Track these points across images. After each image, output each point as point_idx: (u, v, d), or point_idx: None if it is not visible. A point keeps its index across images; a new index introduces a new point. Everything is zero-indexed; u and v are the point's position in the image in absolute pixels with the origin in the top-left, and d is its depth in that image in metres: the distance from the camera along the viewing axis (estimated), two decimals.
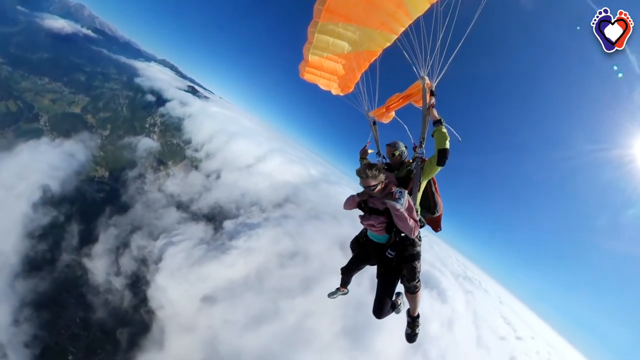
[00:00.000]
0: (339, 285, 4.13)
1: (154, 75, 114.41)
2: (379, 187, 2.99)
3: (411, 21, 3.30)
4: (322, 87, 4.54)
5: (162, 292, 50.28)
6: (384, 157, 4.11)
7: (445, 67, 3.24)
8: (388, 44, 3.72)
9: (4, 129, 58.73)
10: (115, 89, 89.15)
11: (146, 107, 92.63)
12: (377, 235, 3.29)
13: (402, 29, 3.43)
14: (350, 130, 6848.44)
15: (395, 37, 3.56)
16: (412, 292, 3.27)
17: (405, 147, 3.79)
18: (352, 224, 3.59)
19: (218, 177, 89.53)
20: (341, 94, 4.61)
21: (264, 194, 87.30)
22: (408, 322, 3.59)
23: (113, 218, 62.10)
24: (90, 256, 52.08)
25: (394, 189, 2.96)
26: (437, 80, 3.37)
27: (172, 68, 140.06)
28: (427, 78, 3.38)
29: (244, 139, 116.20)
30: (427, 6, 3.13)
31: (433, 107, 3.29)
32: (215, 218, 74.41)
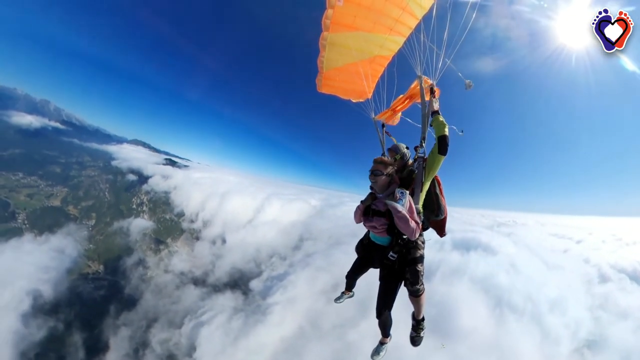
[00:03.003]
0: (344, 289, 4.13)
1: (129, 155, 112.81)
2: (384, 177, 3.02)
3: (418, 21, 3.39)
4: (341, 96, 4.60)
5: None
6: None
7: (445, 66, 3.27)
8: (399, 47, 3.79)
9: None
10: (93, 176, 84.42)
11: (129, 188, 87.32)
12: (379, 237, 3.22)
13: (410, 31, 3.50)
14: (327, 152, 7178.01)
15: (404, 39, 3.63)
16: (415, 295, 3.16)
17: (407, 147, 3.72)
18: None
19: (224, 241, 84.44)
20: (361, 101, 4.64)
21: (277, 241, 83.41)
22: (413, 325, 3.45)
23: (121, 316, 52.11)
24: None
25: (396, 189, 2.92)
26: (437, 78, 3.36)
27: (145, 145, 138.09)
28: (424, 77, 3.42)
29: (236, 196, 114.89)
30: (431, 2, 3.20)
31: (436, 99, 3.30)
32: (238, 283, 67.06)
